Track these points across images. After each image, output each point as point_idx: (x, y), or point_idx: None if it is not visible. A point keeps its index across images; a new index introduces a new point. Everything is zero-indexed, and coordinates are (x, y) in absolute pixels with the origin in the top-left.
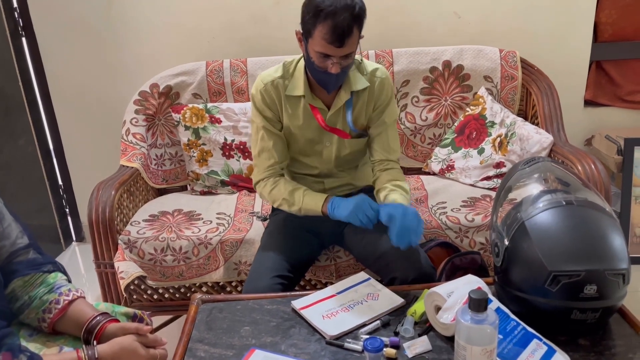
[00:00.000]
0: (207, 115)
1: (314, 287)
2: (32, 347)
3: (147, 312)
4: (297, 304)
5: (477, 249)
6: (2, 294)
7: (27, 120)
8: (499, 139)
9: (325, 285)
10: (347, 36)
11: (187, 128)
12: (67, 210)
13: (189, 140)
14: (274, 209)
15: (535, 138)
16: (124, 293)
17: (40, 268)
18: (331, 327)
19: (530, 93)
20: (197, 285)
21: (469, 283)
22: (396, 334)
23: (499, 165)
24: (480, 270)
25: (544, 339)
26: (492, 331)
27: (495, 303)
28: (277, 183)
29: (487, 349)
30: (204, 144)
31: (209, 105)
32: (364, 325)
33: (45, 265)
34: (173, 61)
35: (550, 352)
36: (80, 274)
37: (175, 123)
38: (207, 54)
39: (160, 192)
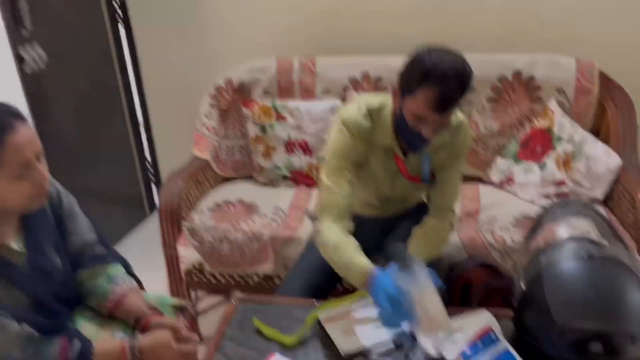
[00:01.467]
0: (274, 112)
1: (354, 290)
2: (91, 327)
3: (203, 294)
4: (322, 314)
5: None
6: (72, 283)
7: (121, 102)
8: (564, 156)
9: None
10: (452, 104)
11: (255, 124)
12: (153, 181)
13: (256, 135)
14: None
15: (602, 159)
16: (184, 276)
17: (105, 260)
18: (347, 343)
19: (605, 109)
20: (249, 274)
21: (479, 321)
22: (406, 357)
23: (560, 184)
24: None
25: None
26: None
27: (504, 344)
28: (330, 229)
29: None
30: (269, 140)
31: (277, 103)
32: (379, 344)
33: (107, 257)
34: (250, 51)
35: None
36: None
37: (246, 118)
38: (280, 49)
39: (228, 180)
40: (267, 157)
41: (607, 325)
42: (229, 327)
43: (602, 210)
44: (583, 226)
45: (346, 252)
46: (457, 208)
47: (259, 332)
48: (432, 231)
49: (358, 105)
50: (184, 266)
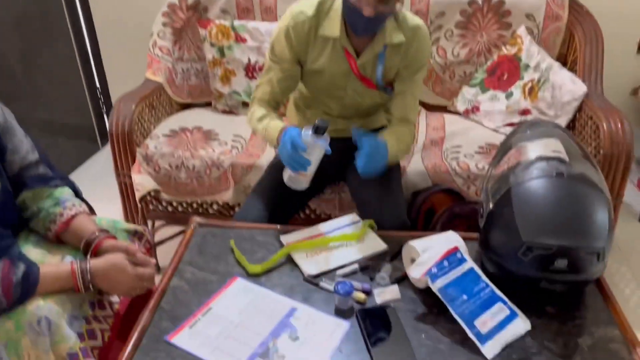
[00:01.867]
0: (233, 33)
1: (318, 218)
2: (38, 252)
3: (160, 225)
4: (285, 238)
5: None
6: (12, 204)
7: (65, 21)
8: (530, 84)
9: (328, 217)
10: None
11: (212, 45)
12: (104, 110)
13: (213, 57)
14: None
15: (568, 87)
16: (139, 204)
17: (49, 182)
18: (311, 266)
19: (573, 36)
20: (208, 202)
21: (447, 240)
22: (371, 279)
23: (525, 112)
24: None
25: (509, 303)
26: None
27: (469, 263)
28: (256, 109)
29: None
30: (228, 63)
31: (236, 22)
32: (343, 266)
33: (54, 180)
34: None
35: (511, 316)
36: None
37: (202, 39)
38: None
39: (184, 106)
40: (225, 82)
41: (574, 242)
42: (188, 252)
43: None
44: (552, 146)
45: (267, 119)
46: (422, 136)
47: (229, 254)
48: (395, 132)
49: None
50: (138, 194)
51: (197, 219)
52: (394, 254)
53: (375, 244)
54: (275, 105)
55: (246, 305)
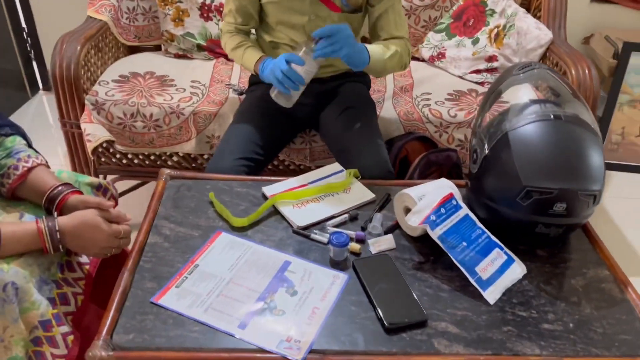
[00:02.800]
0: None
1: (287, 168)
2: None
3: (114, 179)
4: (267, 190)
5: (455, 145)
6: None
7: None
8: (496, 30)
9: (298, 167)
10: None
11: None
12: (32, 55)
13: None
14: (250, 83)
15: (534, 33)
16: (91, 156)
17: None
18: (300, 217)
19: None
20: (167, 154)
21: (441, 187)
22: (363, 229)
23: (491, 59)
24: (454, 168)
25: (505, 248)
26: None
27: (464, 210)
28: (229, 38)
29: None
30: (180, 2)
31: None
32: (332, 217)
33: (2, 128)
34: None
35: (508, 262)
36: (48, 125)
37: None
38: None
39: (132, 50)
40: (178, 23)
41: (574, 184)
42: (162, 206)
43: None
44: (546, 88)
45: (242, 49)
46: (390, 83)
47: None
48: (381, 43)
49: None
50: (91, 145)
51: (166, 171)
52: (382, 203)
53: (363, 193)
54: (243, 34)
55: (236, 261)
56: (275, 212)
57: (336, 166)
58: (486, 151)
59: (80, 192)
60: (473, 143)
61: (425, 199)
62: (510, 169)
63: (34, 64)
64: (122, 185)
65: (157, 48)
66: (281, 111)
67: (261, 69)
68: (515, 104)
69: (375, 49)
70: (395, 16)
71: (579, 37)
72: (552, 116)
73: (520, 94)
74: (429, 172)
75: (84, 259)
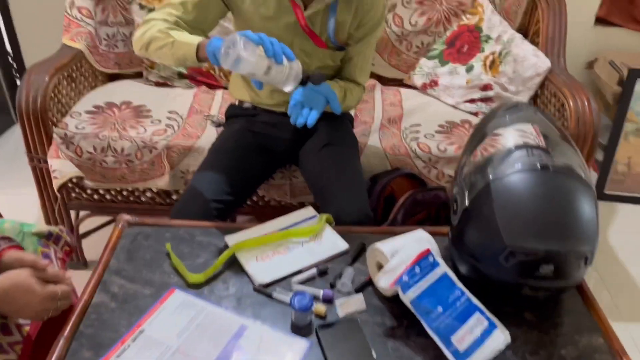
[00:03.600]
0: None
1: (267, 204)
2: None
3: (85, 215)
4: (230, 240)
5: (445, 182)
6: None
7: None
8: (491, 57)
9: (279, 203)
10: None
11: (142, 7)
12: (18, 79)
13: None
14: (228, 116)
15: (531, 61)
16: (57, 194)
17: None
18: (262, 272)
19: (536, 7)
20: (141, 189)
21: (418, 241)
22: (332, 286)
23: (486, 87)
24: (443, 207)
25: (487, 312)
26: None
27: (442, 268)
28: (163, 24)
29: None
30: None
31: None
32: (299, 271)
33: None
34: None
35: (490, 329)
36: None
37: (129, 0)
38: None
39: (112, 78)
40: None
41: (562, 246)
42: (115, 258)
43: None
44: (534, 133)
45: (177, 31)
46: (378, 114)
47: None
48: (338, 82)
49: None
50: (57, 182)
51: (125, 217)
52: (356, 254)
53: (335, 242)
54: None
55: (186, 325)
56: (237, 264)
57: (309, 211)
58: (466, 202)
59: (20, 247)
60: (454, 191)
61: (398, 256)
62: (492, 226)
63: None
64: (95, 221)
65: (138, 75)
66: (259, 145)
67: (216, 38)
68: (499, 150)
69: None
70: (362, 63)
71: (582, 61)
72: (539, 166)
73: (505, 138)
74: (415, 212)
75: (23, 319)
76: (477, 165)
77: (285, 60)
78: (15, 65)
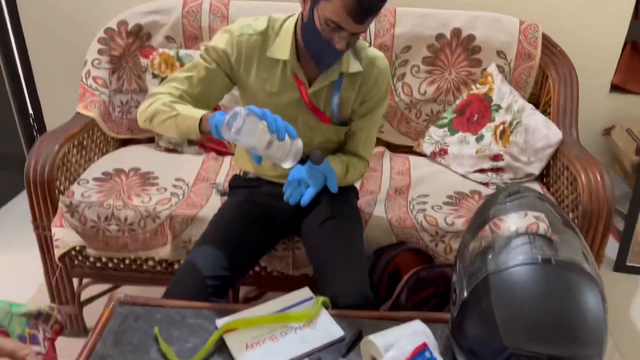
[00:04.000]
0: (177, 63)
1: (270, 275)
2: None
3: (87, 282)
4: (221, 322)
5: (453, 256)
6: None
7: None
8: (502, 127)
9: (282, 274)
10: (372, 13)
11: (154, 76)
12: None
13: None
14: (231, 186)
15: (542, 132)
16: (58, 263)
17: None
18: None
19: (547, 77)
20: (143, 258)
21: (415, 334)
22: None
23: (496, 157)
24: (450, 285)
25: None
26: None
27: None
28: (169, 97)
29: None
30: None
31: (182, 52)
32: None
33: None
34: None
35: None
36: None
37: (143, 69)
38: None
39: (125, 143)
40: None
41: (567, 350)
42: (102, 342)
43: (539, 188)
44: (536, 222)
45: (183, 105)
46: (385, 183)
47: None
48: (340, 157)
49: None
50: (58, 251)
51: (117, 296)
52: (351, 343)
53: (330, 329)
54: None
55: None
56: (227, 350)
57: (305, 292)
58: (465, 293)
59: (4, 332)
60: (454, 278)
61: (393, 350)
62: (491, 323)
63: None
64: (97, 288)
65: (151, 140)
66: (261, 217)
67: (220, 113)
68: (499, 240)
69: (336, 170)
70: (366, 137)
71: (599, 128)
72: (541, 259)
73: (506, 227)
74: (419, 289)
75: None
76: (476, 253)
77: (287, 137)
78: (36, 126)
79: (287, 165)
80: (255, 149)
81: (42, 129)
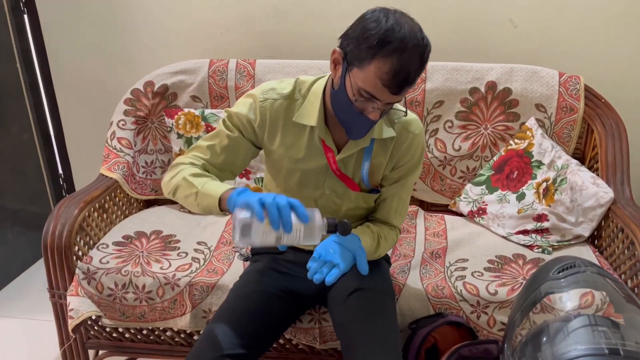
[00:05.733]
0: (203, 123)
1: (295, 348)
2: None
3: (103, 354)
4: None
5: (497, 330)
6: None
7: (24, 105)
8: (544, 185)
9: (308, 347)
10: (409, 84)
11: (179, 136)
12: None
13: (180, 150)
14: (253, 253)
15: (591, 190)
16: (72, 334)
17: None
18: None
19: (592, 131)
20: (161, 329)
21: None
22: None
23: (540, 218)
24: None
25: None
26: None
27: None
28: (190, 167)
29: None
30: None
31: (207, 112)
32: None
33: None
34: (180, 54)
35: None
36: None
37: (168, 129)
38: (217, 50)
39: (149, 204)
40: None
41: None
42: None
43: (591, 252)
44: (597, 302)
45: (206, 178)
46: (420, 246)
47: None
48: (370, 228)
49: (286, 81)
50: (72, 322)
51: None
52: None
53: None
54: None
55: None
56: None
57: None
58: None
59: None
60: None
61: None
62: None
63: None
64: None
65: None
66: (284, 288)
67: (237, 192)
68: (555, 324)
69: (366, 243)
70: (398, 205)
71: None
72: (607, 350)
73: (562, 305)
74: None
75: None
76: (528, 338)
77: (295, 226)
78: (65, 187)
79: (312, 243)
80: (270, 245)
81: (71, 190)
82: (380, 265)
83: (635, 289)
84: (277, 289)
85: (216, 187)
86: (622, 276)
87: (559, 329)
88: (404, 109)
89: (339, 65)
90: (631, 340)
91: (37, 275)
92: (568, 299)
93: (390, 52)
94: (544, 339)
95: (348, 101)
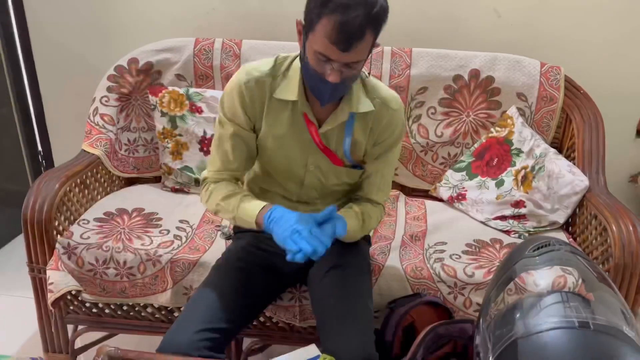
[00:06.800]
0: (187, 102)
1: (276, 326)
2: None
3: (82, 329)
4: None
5: (473, 310)
6: None
7: (3, 79)
8: (523, 172)
9: (288, 325)
10: (356, 39)
11: (163, 114)
12: None
13: (164, 128)
14: (236, 231)
15: (567, 178)
16: (51, 308)
17: None
18: None
19: (570, 120)
20: (141, 305)
21: None
22: None
23: (518, 204)
24: (470, 342)
25: None
26: None
27: None
28: (216, 187)
29: None
30: (180, 135)
31: (191, 90)
32: None
33: None
34: (165, 32)
35: None
36: None
37: (152, 107)
38: (202, 29)
39: (131, 182)
40: (176, 156)
41: None
42: None
43: (565, 238)
44: (569, 279)
45: (236, 198)
46: (400, 228)
47: None
48: (359, 208)
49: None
50: (52, 295)
51: (107, 348)
52: None
53: None
54: (235, 182)
55: None
56: None
57: (312, 350)
58: (490, 359)
59: None
60: (476, 342)
61: None
62: None
63: None
64: (93, 335)
65: (157, 179)
66: (266, 264)
67: (269, 219)
68: (528, 299)
69: (352, 226)
70: (380, 181)
71: (625, 175)
72: (577, 323)
73: (535, 284)
74: (438, 348)
75: None
76: (502, 313)
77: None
78: (44, 164)
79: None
80: None
81: (50, 166)
82: (359, 244)
83: (607, 273)
84: (258, 266)
85: (247, 213)
86: (595, 261)
87: (533, 304)
88: (367, 73)
89: (301, 35)
90: (601, 315)
91: (14, 252)
92: (542, 277)
93: (333, 9)
94: (518, 315)
95: (308, 65)
